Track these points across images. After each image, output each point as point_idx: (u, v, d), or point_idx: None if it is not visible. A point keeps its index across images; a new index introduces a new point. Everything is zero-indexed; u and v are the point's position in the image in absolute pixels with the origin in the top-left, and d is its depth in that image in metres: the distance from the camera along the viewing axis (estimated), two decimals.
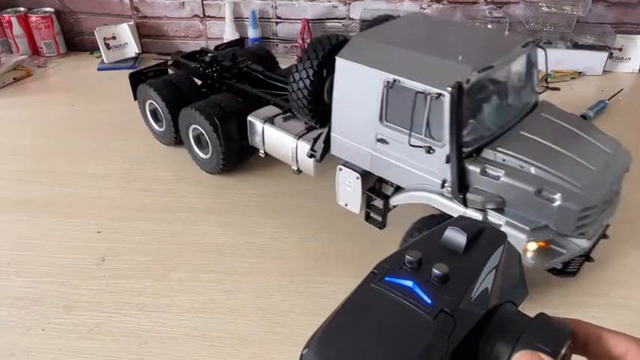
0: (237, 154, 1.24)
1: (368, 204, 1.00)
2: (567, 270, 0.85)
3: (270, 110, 1.18)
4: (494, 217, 0.80)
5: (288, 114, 1.15)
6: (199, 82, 1.37)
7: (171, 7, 1.87)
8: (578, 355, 0.30)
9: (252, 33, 1.83)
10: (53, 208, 1.17)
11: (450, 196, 0.83)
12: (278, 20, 1.86)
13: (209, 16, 1.87)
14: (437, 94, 0.77)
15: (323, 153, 1.01)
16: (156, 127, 1.39)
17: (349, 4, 1.81)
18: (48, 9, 1.89)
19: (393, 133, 0.87)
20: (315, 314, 0.90)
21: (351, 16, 1.82)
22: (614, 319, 0.88)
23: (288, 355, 0.84)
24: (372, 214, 1.00)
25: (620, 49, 1.74)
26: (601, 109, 1.49)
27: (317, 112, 0.98)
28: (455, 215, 0.80)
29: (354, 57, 0.88)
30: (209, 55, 1.42)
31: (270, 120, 1.14)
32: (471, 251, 0.29)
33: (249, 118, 1.17)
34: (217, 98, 1.24)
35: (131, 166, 1.31)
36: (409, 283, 0.27)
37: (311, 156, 1.03)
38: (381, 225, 1.00)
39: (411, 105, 0.81)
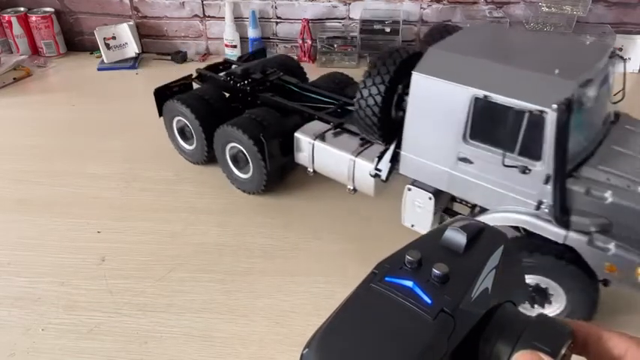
0: (280, 173, 1.19)
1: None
2: None
3: (317, 125, 1.11)
4: (600, 240, 0.75)
5: (338, 129, 1.09)
6: (227, 96, 1.31)
7: (172, 7, 1.87)
8: (578, 355, 0.30)
9: (252, 33, 1.83)
10: (53, 208, 1.17)
11: (548, 218, 0.78)
12: (278, 20, 1.86)
13: (209, 16, 1.87)
14: (539, 111, 0.72)
15: (389, 172, 0.95)
16: (184, 145, 1.31)
17: (349, 4, 1.80)
18: (48, 9, 1.89)
19: (478, 151, 0.81)
20: (315, 314, 0.90)
21: (351, 16, 1.82)
22: None
23: (288, 355, 0.84)
24: None
25: (620, 49, 1.73)
26: None
27: (384, 129, 0.91)
28: (554, 239, 0.78)
29: (434, 71, 0.81)
30: (238, 67, 1.34)
31: (320, 136, 1.07)
32: (471, 251, 0.29)
33: (297, 134, 1.09)
34: (255, 113, 1.17)
35: (131, 166, 1.31)
36: (409, 283, 0.27)
37: (375, 175, 0.97)
38: None
39: (504, 122, 0.75)
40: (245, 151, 1.14)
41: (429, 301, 0.26)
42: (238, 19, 1.84)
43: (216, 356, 0.84)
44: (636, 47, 1.73)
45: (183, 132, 1.30)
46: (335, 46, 1.79)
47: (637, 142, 0.82)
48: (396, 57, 0.88)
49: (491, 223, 0.78)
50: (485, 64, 0.80)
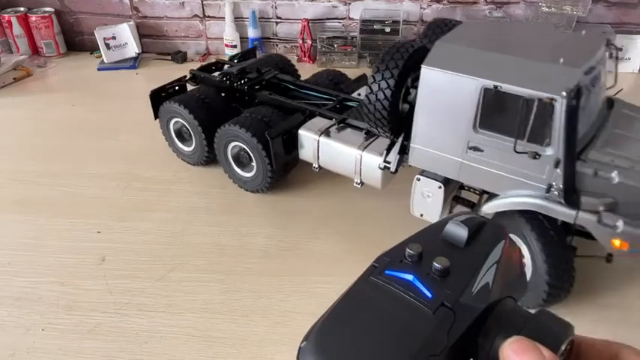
0: (284, 170, 1.19)
1: (450, 213, 0.98)
2: None
3: (319, 122, 1.12)
4: (608, 219, 0.79)
5: (342, 125, 1.10)
6: (223, 96, 1.31)
7: (172, 7, 1.87)
8: None
9: (252, 33, 1.83)
10: (53, 208, 1.17)
11: (558, 200, 0.81)
12: (278, 20, 1.86)
13: (209, 16, 1.87)
14: (549, 98, 0.75)
15: (398, 164, 0.98)
16: (182, 147, 1.31)
17: (349, 4, 1.80)
18: (48, 9, 1.89)
19: (488, 140, 0.84)
20: (315, 314, 0.89)
21: (351, 16, 1.82)
22: None
23: (288, 355, 0.83)
24: None
25: (620, 49, 1.73)
26: None
27: (393, 122, 0.94)
28: (565, 219, 0.82)
29: (443, 64, 0.84)
30: (232, 67, 1.34)
31: (325, 132, 1.08)
32: (472, 245, 0.29)
33: (301, 131, 1.11)
34: (257, 112, 1.17)
35: (131, 166, 1.31)
36: (409, 277, 0.27)
37: (384, 168, 0.99)
38: None
39: (513, 111, 0.78)
40: (249, 150, 1.15)
41: (429, 294, 0.26)
42: (238, 19, 1.84)
43: (216, 356, 0.84)
44: (636, 47, 1.73)
45: (180, 133, 1.30)
46: (335, 46, 1.79)
47: (635, 126, 0.88)
48: (403, 52, 0.90)
49: (501, 208, 0.80)
50: (492, 56, 0.83)
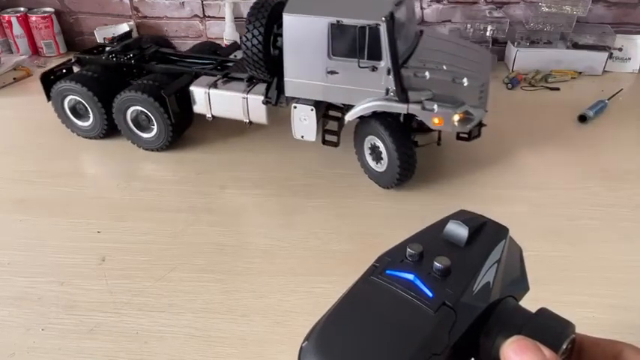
0: (181, 126, 1.34)
1: (323, 129, 1.22)
2: (473, 136, 1.19)
3: (206, 79, 1.29)
4: (428, 105, 1.07)
5: (226, 78, 1.29)
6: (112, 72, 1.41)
7: (172, 7, 1.87)
8: None
9: None
10: (53, 208, 1.17)
11: (395, 99, 1.08)
12: None
13: (209, 16, 1.88)
14: (375, 24, 1.02)
15: (277, 98, 1.20)
16: (79, 123, 1.40)
17: None
18: (48, 9, 1.89)
19: (340, 63, 1.09)
20: (315, 314, 0.89)
21: None
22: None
23: (288, 355, 0.83)
24: (327, 137, 1.22)
25: (620, 49, 1.73)
26: (601, 109, 1.49)
27: (268, 64, 1.16)
28: (401, 112, 1.10)
29: (299, 10, 1.08)
30: (114, 46, 1.44)
31: (213, 85, 1.27)
32: (472, 245, 0.29)
33: (192, 87, 1.28)
34: (148, 79, 1.30)
35: (131, 166, 1.31)
36: (410, 276, 0.27)
37: (267, 102, 1.21)
38: (337, 143, 1.22)
39: (353, 38, 1.04)
40: (147, 112, 1.28)
41: (430, 294, 0.26)
42: (238, 19, 1.84)
43: (216, 356, 0.83)
44: (636, 47, 1.73)
45: (75, 110, 1.39)
46: None
47: (436, 42, 1.22)
48: (267, 6, 1.12)
49: (355, 115, 1.19)
50: (333, 0, 1.09)
